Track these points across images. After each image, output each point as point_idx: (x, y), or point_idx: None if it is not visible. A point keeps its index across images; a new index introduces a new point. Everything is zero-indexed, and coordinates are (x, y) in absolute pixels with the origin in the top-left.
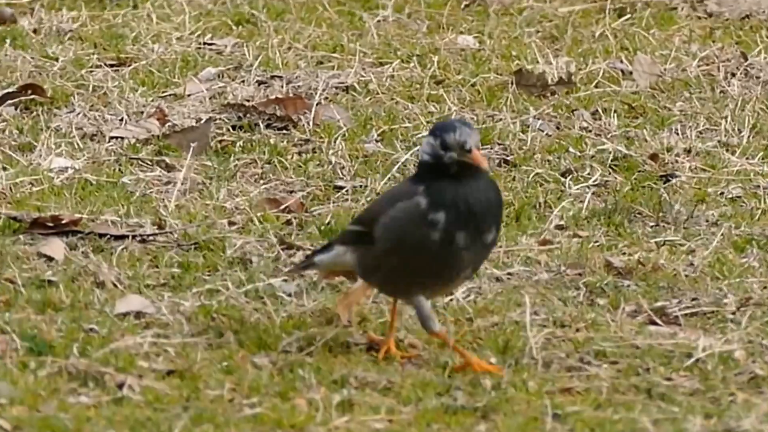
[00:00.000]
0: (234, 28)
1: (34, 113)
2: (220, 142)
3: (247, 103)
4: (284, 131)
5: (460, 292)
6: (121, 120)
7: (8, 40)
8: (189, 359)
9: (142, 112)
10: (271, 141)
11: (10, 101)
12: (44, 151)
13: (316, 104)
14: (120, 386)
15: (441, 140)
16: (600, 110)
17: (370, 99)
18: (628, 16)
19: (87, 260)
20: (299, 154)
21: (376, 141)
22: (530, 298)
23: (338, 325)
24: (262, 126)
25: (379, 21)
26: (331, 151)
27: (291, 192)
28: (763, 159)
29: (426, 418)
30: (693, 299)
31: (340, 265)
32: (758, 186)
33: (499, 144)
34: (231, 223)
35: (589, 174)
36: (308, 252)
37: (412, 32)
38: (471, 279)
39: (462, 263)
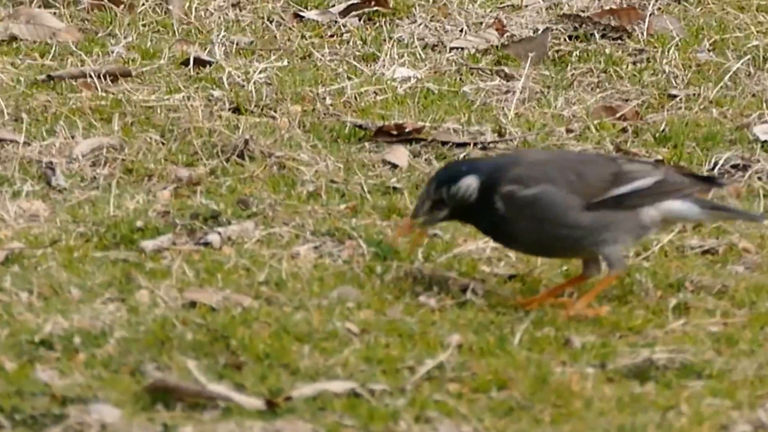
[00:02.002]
0: None
1: (377, 24)
2: (557, 51)
3: (582, 14)
4: (619, 41)
5: None
6: (461, 31)
7: None
8: (530, 264)
9: (481, 23)
10: (607, 51)
11: (354, 12)
12: (387, 61)
13: (650, 15)
14: (463, 290)
15: None
16: None
17: (701, 9)
18: None
19: (430, 167)
20: (634, 63)
21: (709, 50)
22: None
23: (673, 230)
24: (597, 36)
25: None
26: (665, 61)
27: (626, 100)
28: None
29: (760, 321)
30: None
31: None
32: None
33: None
34: (569, 131)
35: None
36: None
37: None
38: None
39: None
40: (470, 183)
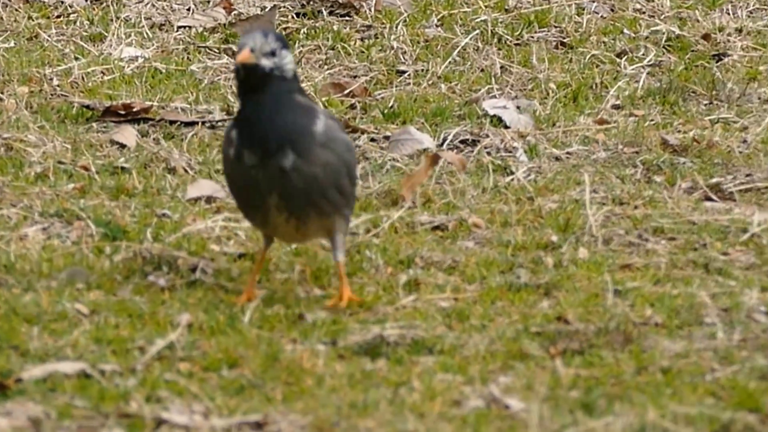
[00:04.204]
0: None
1: (104, 4)
2: (285, 29)
3: None
4: (347, 18)
5: (521, 171)
6: (189, 9)
7: None
8: (259, 242)
9: (209, 1)
10: (335, 27)
11: None
12: (114, 41)
13: None
14: (193, 269)
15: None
16: None
17: None
18: None
19: (158, 147)
20: (362, 39)
21: (437, 26)
22: (589, 176)
23: (403, 206)
24: (325, 13)
25: None
26: (392, 37)
27: (354, 77)
28: None
29: (490, 295)
30: (747, 175)
31: None
32: None
33: (556, 27)
34: None
35: (643, 54)
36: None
37: None
38: (301, 220)
39: (259, 187)
40: (291, 60)
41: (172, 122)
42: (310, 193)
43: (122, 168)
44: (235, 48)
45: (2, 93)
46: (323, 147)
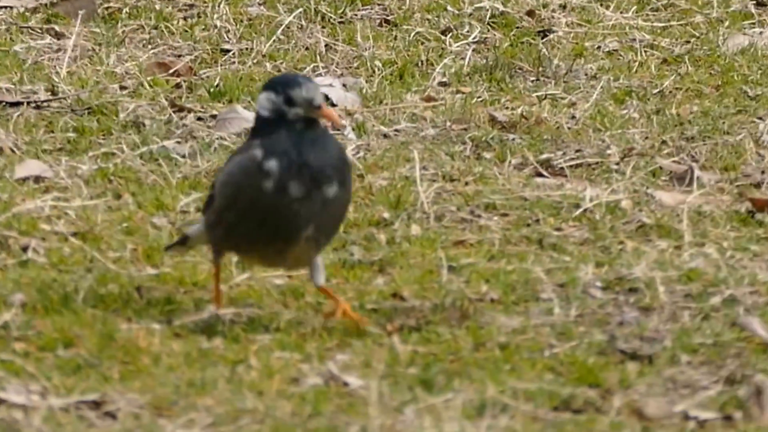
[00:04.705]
0: None
1: None
2: (107, 9)
3: None
4: None
5: (350, 149)
6: None
7: None
8: (90, 221)
9: None
10: (157, 7)
11: None
12: None
13: None
14: (24, 249)
15: (285, 96)
16: None
17: None
18: None
19: None
20: (185, 19)
21: (260, 4)
22: (419, 153)
23: None
24: None
25: None
26: (216, 16)
27: (179, 56)
28: (637, 13)
29: (325, 273)
30: (577, 151)
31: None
32: (634, 39)
33: (379, 5)
34: (122, 88)
35: (468, 31)
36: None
37: None
38: (318, 248)
39: (299, 218)
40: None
41: None
42: (338, 220)
43: None
44: (58, 28)
45: None
46: (350, 171)
